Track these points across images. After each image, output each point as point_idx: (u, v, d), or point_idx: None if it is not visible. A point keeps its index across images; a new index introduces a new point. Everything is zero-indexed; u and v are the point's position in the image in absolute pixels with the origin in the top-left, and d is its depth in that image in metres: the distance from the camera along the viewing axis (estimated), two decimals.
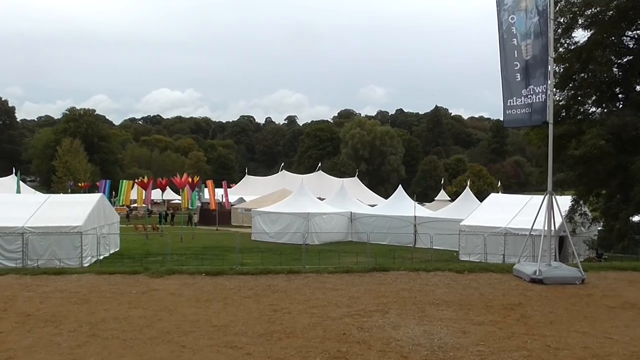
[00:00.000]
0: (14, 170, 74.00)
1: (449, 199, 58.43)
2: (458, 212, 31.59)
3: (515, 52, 11.59)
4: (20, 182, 59.20)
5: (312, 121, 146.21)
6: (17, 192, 49.44)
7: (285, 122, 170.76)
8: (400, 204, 36.36)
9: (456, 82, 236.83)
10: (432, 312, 8.01)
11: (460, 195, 37.96)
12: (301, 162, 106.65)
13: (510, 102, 11.76)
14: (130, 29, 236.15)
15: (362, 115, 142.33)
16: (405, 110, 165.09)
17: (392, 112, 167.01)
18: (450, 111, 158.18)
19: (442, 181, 68.51)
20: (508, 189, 75.60)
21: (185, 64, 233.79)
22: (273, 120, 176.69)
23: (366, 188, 69.57)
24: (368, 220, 35.55)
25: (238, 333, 6.94)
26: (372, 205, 43.03)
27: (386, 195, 60.11)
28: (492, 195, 33.52)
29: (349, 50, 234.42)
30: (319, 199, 40.66)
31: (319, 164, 75.87)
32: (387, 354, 6.16)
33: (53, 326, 7.09)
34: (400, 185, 41.06)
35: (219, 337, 6.79)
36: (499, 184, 62.32)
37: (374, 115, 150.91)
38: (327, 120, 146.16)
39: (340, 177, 65.56)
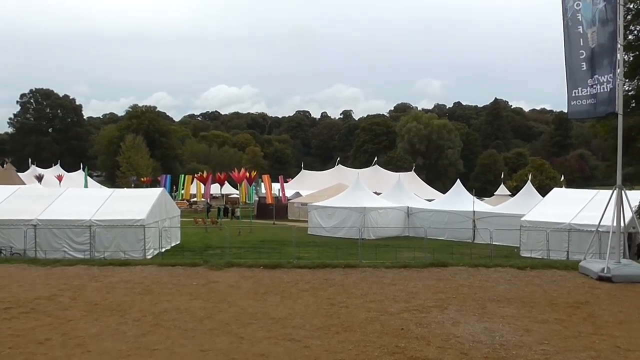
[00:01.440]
0: (81, 166, 77.46)
1: (509, 193, 56.84)
2: (519, 207, 30.67)
3: (581, 40, 11.12)
4: (88, 177, 61.83)
5: (368, 115, 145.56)
6: (84, 187, 51.72)
7: (341, 116, 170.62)
8: (459, 199, 35.67)
9: (517, 73, 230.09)
10: (493, 308, 7.81)
11: (521, 190, 36.84)
12: (357, 156, 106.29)
13: (574, 92, 11.31)
14: (189, 26, 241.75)
15: (418, 108, 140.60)
16: (463, 103, 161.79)
17: (449, 105, 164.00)
18: (510, 103, 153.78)
19: (502, 175, 66.58)
20: (572, 184, 72.85)
21: (242, 60, 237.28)
22: (328, 114, 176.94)
23: (423, 182, 68.66)
24: (425, 215, 35.05)
25: (296, 326, 6.98)
26: (430, 200, 42.40)
27: (444, 189, 59.12)
28: (555, 190, 32.32)
29: (404, 42, 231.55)
30: (375, 193, 40.40)
31: (375, 159, 75.45)
32: (447, 350, 6.05)
33: (119, 315, 7.34)
34: (458, 180, 40.24)
35: (277, 329, 6.86)
36: (562, 178, 60.11)
37: (430, 108, 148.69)
38: (382, 114, 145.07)
39: (396, 172, 64.97)
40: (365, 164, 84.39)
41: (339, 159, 78.26)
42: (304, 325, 7.09)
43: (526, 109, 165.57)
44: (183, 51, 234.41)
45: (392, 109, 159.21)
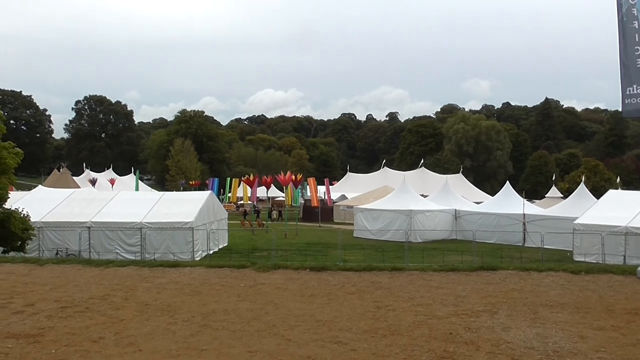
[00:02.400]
0: (132, 170, 79.66)
1: (561, 195, 55.21)
2: (572, 210, 29.70)
3: (636, 35, 10.71)
4: (139, 181, 63.47)
5: (414, 117, 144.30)
6: (135, 190, 53.10)
7: (387, 118, 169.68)
8: (508, 201, 34.82)
9: (568, 72, 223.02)
10: (546, 314, 7.57)
11: (574, 192, 35.65)
12: (403, 158, 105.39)
13: (629, 90, 10.90)
14: (237, 32, 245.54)
15: (465, 109, 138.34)
16: (512, 104, 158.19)
17: (497, 105, 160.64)
18: (561, 103, 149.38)
19: (554, 177, 64.71)
20: (629, 185, 70.10)
21: (288, 64, 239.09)
22: (374, 117, 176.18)
23: (471, 185, 67.45)
24: (473, 217, 34.39)
25: (342, 329, 6.95)
26: (478, 203, 41.58)
27: (492, 192, 57.94)
28: (611, 192, 31.12)
29: (451, 42, 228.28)
30: (422, 195, 39.93)
31: (422, 161, 74.65)
32: (497, 356, 5.90)
33: (168, 315, 7.48)
34: (507, 182, 39.30)
35: (323, 332, 6.84)
36: (618, 179, 57.90)
37: (478, 109, 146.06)
38: (429, 116, 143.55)
39: (443, 174, 64.08)
40: (412, 166, 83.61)
41: (384, 161, 77.80)
42: (350, 328, 7.06)
43: (579, 108, 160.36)
44: (231, 56, 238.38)
45: (439, 110, 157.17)
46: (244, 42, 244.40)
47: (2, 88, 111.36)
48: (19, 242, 20.85)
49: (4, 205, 20.48)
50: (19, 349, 6.00)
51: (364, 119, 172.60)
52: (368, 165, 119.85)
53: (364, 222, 35.57)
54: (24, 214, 21.29)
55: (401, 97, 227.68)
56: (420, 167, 70.12)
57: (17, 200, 23.70)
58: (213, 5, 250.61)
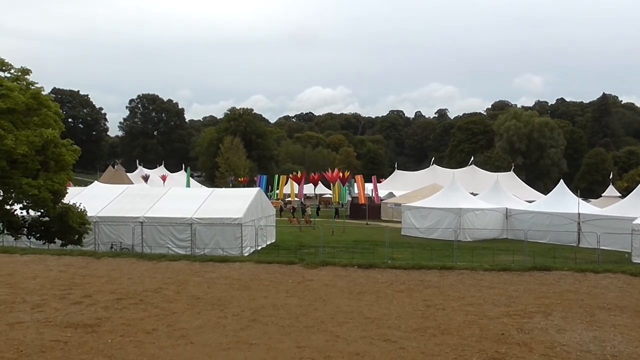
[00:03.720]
0: (183, 167, 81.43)
1: (619, 195, 53.10)
2: (630, 210, 28.52)
3: None
4: (190, 177, 64.80)
5: (464, 114, 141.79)
6: (186, 186, 54.26)
7: (436, 115, 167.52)
8: (562, 200, 33.74)
9: (628, 66, 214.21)
10: (603, 317, 7.30)
11: (634, 191, 34.17)
12: (452, 156, 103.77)
13: None
14: (286, 30, 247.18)
15: (517, 106, 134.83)
16: (567, 100, 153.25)
17: (551, 102, 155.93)
18: (620, 99, 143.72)
19: (611, 176, 62.32)
20: None
21: (337, 62, 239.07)
22: (423, 114, 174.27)
23: (523, 183, 65.75)
24: (525, 217, 33.50)
25: (391, 326, 6.90)
26: (530, 202, 40.49)
27: (545, 190, 56.32)
28: None
29: (502, 37, 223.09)
30: (472, 194, 39.20)
31: (472, 158, 73.29)
32: (552, 358, 5.73)
33: (219, 309, 7.61)
34: (561, 180, 38.07)
35: (372, 329, 6.81)
36: None
37: (531, 105, 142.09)
38: (479, 113, 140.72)
39: (494, 172, 62.75)
40: (461, 163, 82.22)
41: (433, 158, 76.83)
42: (399, 326, 7.00)
43: (639, 104, 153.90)
44: (280, 55, 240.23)
45: (490, 107, 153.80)
46: (293, 40, 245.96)
47: (61, 88, 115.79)
48: (76, 236, 21.64)
49: (62, 200, 21.33)
50: (78, 338, 6.22)
51: (413, 116, 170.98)
52: (416, 162, 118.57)
53: (412, 220, 35.20)
54: (81, 209, 22.05)
55: (451, 93, 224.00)
56: (470, 164, 68.85)
57: (74, 196, 24.57)
58: (264, 4, 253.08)
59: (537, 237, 29.64)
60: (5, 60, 21.44)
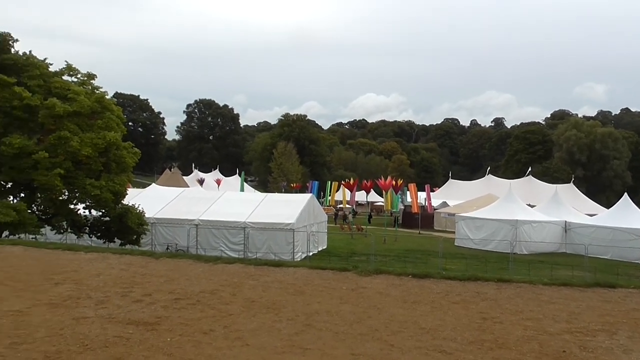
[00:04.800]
0: (237, 171, 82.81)
1: None
2: None
3: None
4: (244, 182, 65.83)
5: (522, 123, 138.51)
6: (240, 190, 55.13)
7: (492, 124, 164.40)
8: (626, 214, 32.38)
9: None
10: None
11: None
12: (508, 166, 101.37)
13: None
14: (340, 36, 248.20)
15: (578, 115, 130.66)
16: (632, 110, 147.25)
17: (615, 111, 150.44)
18: None
19: None
20: None
21: (391, 68, 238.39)
22: (478, 122, 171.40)
23: (583, 195, 63.49)
24: (586, 230, 32.34)
25: (446, 338, 6.79)
26: (591, 215, 39.10)
27: (608, 204, 54.23)
28: None
29: (562, 44, 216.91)
30: (529, 205, 38.20)
31: (529, 169, 71.39)
32: None
33: (273, 313, 7.68)
34: (625, 194, 36.59)
35: (427, 340, 6.72)
36: None
37: (593, 115, 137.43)
38: (538, 122, 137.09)
39: (552, 183, 60.89)
40: (518, 174, 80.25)
41: (489, 168, 75.28)
42: (455, 337, 6.87)
43: None
44: (334, 61, 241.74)
45: (549, 116, 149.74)
46: (347, 47, 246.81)
47: (122, 92, 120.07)
48: (135, 236, 22.40)
49: (122, 201, 22.10)
50: (139, 335, 6.40)
51: (468, 125, 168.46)
52: (471, 172, 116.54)
53: (466, 231, 34.62)
54: (139, 210, 22.84)
55: (508, 102, 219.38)
56: (528, 175, 67.07)
57: (133, 197, 25.49)
58: (318, 11, 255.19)
59: (599, 252, 28.58)
60: (73, 66, 22.51)
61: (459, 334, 7.04)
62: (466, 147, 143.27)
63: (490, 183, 62.29)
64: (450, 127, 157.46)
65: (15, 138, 18.85)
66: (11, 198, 20.52)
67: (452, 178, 71.12)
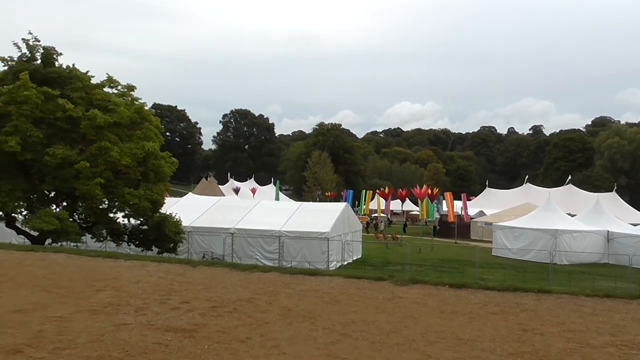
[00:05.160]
0: (272, 180, 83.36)
1: None
2: None
3: None
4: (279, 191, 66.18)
5: (561, 130, 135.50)
6: (275, 199, 55.45)
7: (530, 131, 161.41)
8: None
9: None
10: None
11: None
12: (547, 174, 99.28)
13: None
14: (375, 45, 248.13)
15: (620, 122, 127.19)
16: None
17: None
18: None
19: None
20: None
21: (426, 77, 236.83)
22: (516, 130, 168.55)
23: (627, 205, 61.50)
24: (630, 241, 31.37)
25: (485, 349, 6.67)
26: (635, 225, 37.92)
27: None
28: None
29: (603, 50, 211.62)
30: (569, 214, 37.31)
31: (569, 177, 69.70)
32: None
33: (309, 322, 7.67)
34: None
35: (465, 350, 6.61)
36: None
37: (636, 122, 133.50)
38: (578, 129, 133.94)
39: (594, 192, 59.31)
40: (557, 182, 78.51)
41: (527, 177, 73.78)
42: (494, 349, 6.74)
43: None
44: (369, 70, 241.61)
45: (589, 123, 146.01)
46: (381, 56, 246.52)
47: (160, 103, 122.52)
48: (172, 244, 22.75)
49: (160, 210, 22.49)
50: (177, 342, 6.49)
51: (505, 132, 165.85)
52: (509, 180, 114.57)
53: (504, 241, 34.03)
54: (176, 219, 23.21)
55: (546, 109, 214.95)
56: (567, 183, 65.47)
57: (170, 206, 25.91)
58: (353, 20, 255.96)
59: None
60: (114, 78, 23.12)
61: (498, 345, 6.91)
62: (503, 155, 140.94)
63: (528, 192, 61.03)
64: (487, 135, 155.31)
65: (59, 148, 19.42)
66: (54, 207, 21.09)
67: (489, 187, 70.01)
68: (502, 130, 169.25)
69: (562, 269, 26.61)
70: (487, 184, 71.96)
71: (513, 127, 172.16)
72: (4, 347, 6.15)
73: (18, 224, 21.22)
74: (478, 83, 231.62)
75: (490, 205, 56.29)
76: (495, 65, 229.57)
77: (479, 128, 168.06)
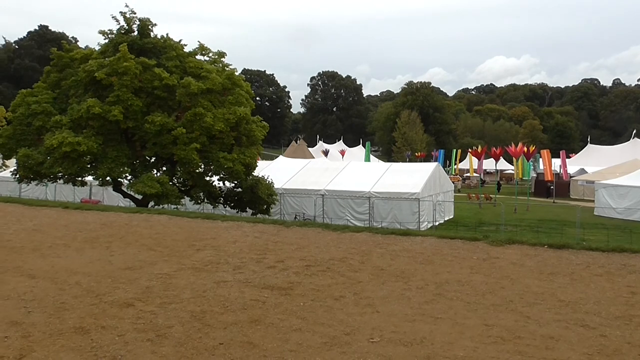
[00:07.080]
0: (360, 141, 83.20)
1: None
2: None
3: None
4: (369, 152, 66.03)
5: None
6: (366, 160, 55.42)
7: (638, 83, 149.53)
8: None
9: None
10: None
11: None
12: None
13: None
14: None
15: None
16: None
17: None
18: None
19: None
20: None
21: (523, 29, 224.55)
22: (622, 81, 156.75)
23: None
24: None
25: (589, 312, 6.36)
26: None
27: None
28: None
29: None
30: None
31: None
32: None
33: (403, 282, 7.65)
34: None
35: (566, 312, 6.35)
36: None
37: None
38: None
39: None
40: None
41: (635, 131, 68.74)
42: (599, 312, 6.42)
43: None
44: (460, 24, 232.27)
45: None
46: (473, 9, 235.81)
47: (250, 68, 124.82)
48: (265, 206, 23.42)
49: (253, 173, 23.15)
50: (274, 299, 6.69)
51: (610, 85, 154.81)
52: (613, 136, 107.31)
53: (608, 200, 32.12)
54: (269, 181, 23.81)
55: None
56: None
57: (262, 169, 26.59)
58: None
59: None
60: (205, 45, 23.73)
61: (604, 308, 6.57)
62: (607, 109, 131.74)
63: (636, 147, 56.96)
64: (589, 88, 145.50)
65: (157, 116, 20.37)
66: (155, 171, 22.27)
67: (591, 143, 66.01)
68: (607, 82, 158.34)
69: None
70: (588, 140, 67.90)
71: (619, 79, 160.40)
72: (117, 301, 6.63)
73: (124, 188, 22.67)
74: (579, 33, 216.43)
75: (592, 162, 53.26)
76: (596, 13, 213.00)
77: (579, 81, 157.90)
